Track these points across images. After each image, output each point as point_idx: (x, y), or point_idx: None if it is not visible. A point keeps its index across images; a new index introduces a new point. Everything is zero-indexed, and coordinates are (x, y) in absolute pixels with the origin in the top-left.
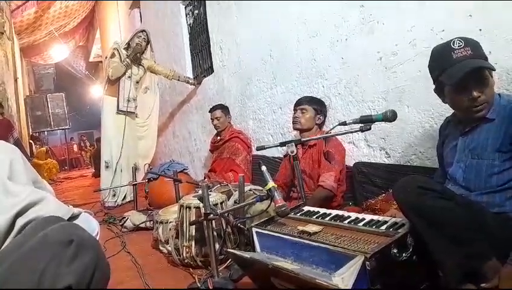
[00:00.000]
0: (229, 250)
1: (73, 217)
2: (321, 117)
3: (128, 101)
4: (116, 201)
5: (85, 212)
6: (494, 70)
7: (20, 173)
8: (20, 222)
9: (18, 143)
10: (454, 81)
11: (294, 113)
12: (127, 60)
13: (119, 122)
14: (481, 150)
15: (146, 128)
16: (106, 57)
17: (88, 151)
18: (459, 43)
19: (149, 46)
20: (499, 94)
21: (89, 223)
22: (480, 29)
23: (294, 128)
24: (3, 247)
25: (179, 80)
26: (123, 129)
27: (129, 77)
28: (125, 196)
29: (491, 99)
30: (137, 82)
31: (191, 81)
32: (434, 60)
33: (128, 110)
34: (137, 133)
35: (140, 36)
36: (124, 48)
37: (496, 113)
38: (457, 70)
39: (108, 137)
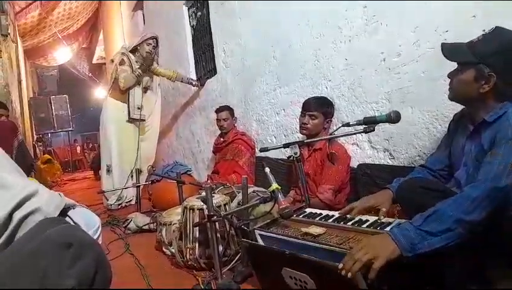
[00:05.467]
0: (243, 240)
1: (67, 208)
2: (329, 121)
3: (139, 108)
4: (120, 204)
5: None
6: (458, 61)
7: (7, 165)
8: (17, 215)
9: (23, 145)
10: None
11: (302, 117)
12: (139, 70)
13: (126, 128)
14: (482, 159)
15: (148, 129)
16: (112, 61)
17: (90, 153)
18: (487, 30)
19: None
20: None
21: (90, 218)
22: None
23: (302, 134)
24: (3, 245)
25: (182, 81)
26: (131, 135)
27: (139, 84)
28: (131, 200)
29: (468, 96)
30: (146, 88)
31: (194, 83)
32: None
33: (141, 118)
34: (140, 135)
35: (150, 44)
36: (131, 51)
37: (494, 117)
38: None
39: (110, 141)
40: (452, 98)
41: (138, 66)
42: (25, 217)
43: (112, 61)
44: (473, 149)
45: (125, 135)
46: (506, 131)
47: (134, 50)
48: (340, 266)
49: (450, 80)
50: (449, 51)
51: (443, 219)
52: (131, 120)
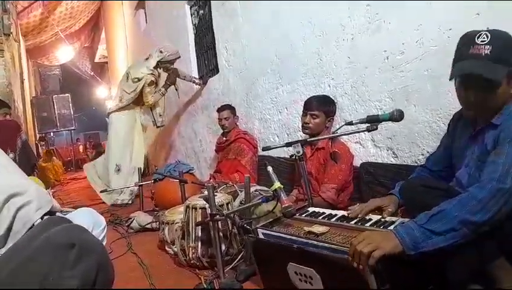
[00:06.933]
0: (249, 235)
1: (54, 211)
2: (331, 119)
3: (161, 116)
4: (132, 199)
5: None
6: (494, 80)
7: (5, 163)
8: (12, 207)
9: (26, 145)
10: (451, 78)
11: (304, 116)
12: (163, 89)
13: (137, 128)
14: (485, 161)
15: None
16: (138, 79)
17: (93, 151)
18: (483, 38)
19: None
20: None
21: (97, 218)
22: (488, 27)
23: (304, 133)
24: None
25: (184, 79)
26: (139, 135)
27: None
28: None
29: (496, 106)
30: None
31: (196, 81)
32: (457, 47)
33: (162, 124)
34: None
35: (174, 63)
36: (154, 67)
37: (501, 119)
38: (459, 68)
39: (125, 142)
40: (480, 112)
41: (162, 85)
42: (20, 207)
43: (138, 79)
44: (476, 150)
45: (136, 136)
46: (509, 130)
47: (157, 66)
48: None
49: (471, 95)
50: (488, 72)
51: (448, 219)
52: (158, 127)
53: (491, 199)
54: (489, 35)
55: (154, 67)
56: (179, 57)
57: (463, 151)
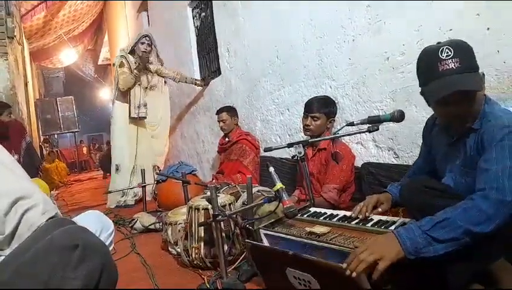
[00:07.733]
0: (247, 240)
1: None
2: (332, 120)
3: (139, 107)
4: (136, 200)
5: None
6: (480, 90)
7: (13, 167)
8: (19, 209)
9: (30, 147)
10: (434, 99)
11: (305, 119)
12: (136, 71)
13: (131, 129)
14: (469, 167)
15: (157, 127)
16: (113, 64)
17: (97, 153)
18: (447, 52)
19: (154, 49)
20: (486, 99)
21: (105, 221)
22: (488, 28)
23: (306, 135)
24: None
25: (186, 82)
26: (135, 135)
27: (139, 84)
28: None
29: (476, 112)
30: (146, 88)
31: (198, 83)
32: (420, 66)
33: (140, 116)
34: (149, 133)
35: (144, 42)
36: (130, 52)
37: (480, 123)
38: (439, 87)
39: (120, 142)
40: (464, 122)
41: (135, 67)
42: (27, 210)
43: (114, 64)
44: (458, 156)
45: (132, 135)
46: (491, 132)
47: (132, 51)
48: (345, 265)
49: (461, 108)
50: (472, 84)
51: (452, 228)
52: (132, 119)
53: (494, 211)
54: (450, 48)
55: (129, 53)
56: (146, 35)
57: (444, 157)
